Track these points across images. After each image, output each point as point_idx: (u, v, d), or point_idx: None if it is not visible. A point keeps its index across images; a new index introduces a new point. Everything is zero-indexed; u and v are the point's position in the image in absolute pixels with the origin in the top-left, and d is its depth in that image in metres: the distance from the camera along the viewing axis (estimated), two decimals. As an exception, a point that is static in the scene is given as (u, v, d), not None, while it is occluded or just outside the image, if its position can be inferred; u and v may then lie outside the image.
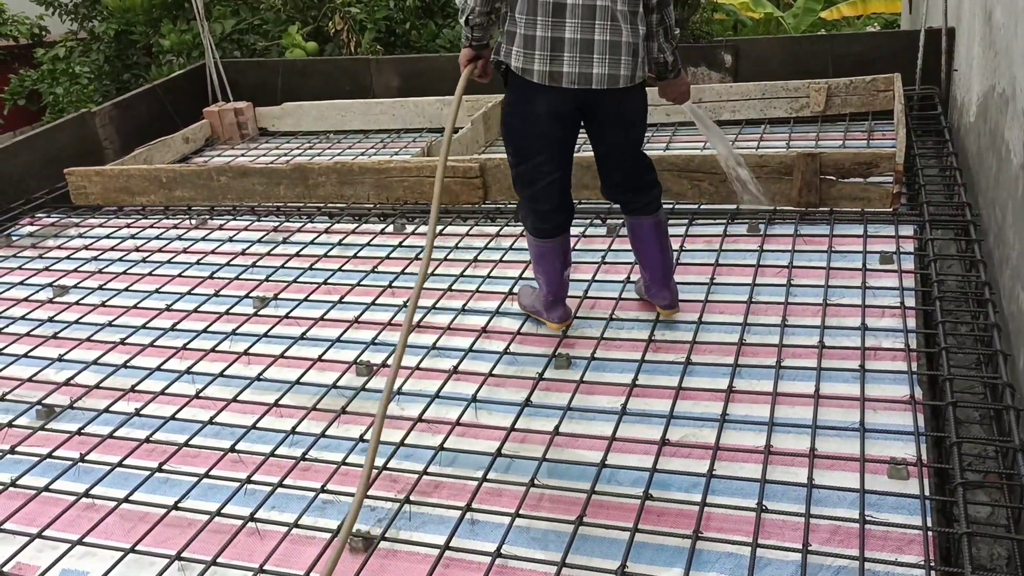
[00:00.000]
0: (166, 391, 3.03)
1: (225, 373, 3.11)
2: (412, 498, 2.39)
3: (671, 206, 4.01)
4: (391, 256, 3.91)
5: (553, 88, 2.72)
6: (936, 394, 2.63)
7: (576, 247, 3.77)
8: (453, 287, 3.56)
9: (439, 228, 4.14)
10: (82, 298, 3.82)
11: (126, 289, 3.86)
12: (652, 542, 2.17)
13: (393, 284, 3.64)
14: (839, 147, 4.67)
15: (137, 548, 2.31)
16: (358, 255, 3.96)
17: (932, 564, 1.99)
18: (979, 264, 3.16)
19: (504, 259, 3.76)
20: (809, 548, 2.06)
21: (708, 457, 2.41)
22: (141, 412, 2.93)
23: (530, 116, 2.80)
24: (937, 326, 2.84)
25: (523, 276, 3.56)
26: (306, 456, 2.61)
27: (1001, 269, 3.10)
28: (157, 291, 3.80)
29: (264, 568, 2.19)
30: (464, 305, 3.40)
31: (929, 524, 2.10)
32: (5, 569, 2.30)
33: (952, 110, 4.89)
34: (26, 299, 3.88)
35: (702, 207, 4.01)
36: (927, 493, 2.20)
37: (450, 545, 2.19)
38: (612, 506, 2.30)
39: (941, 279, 3.16)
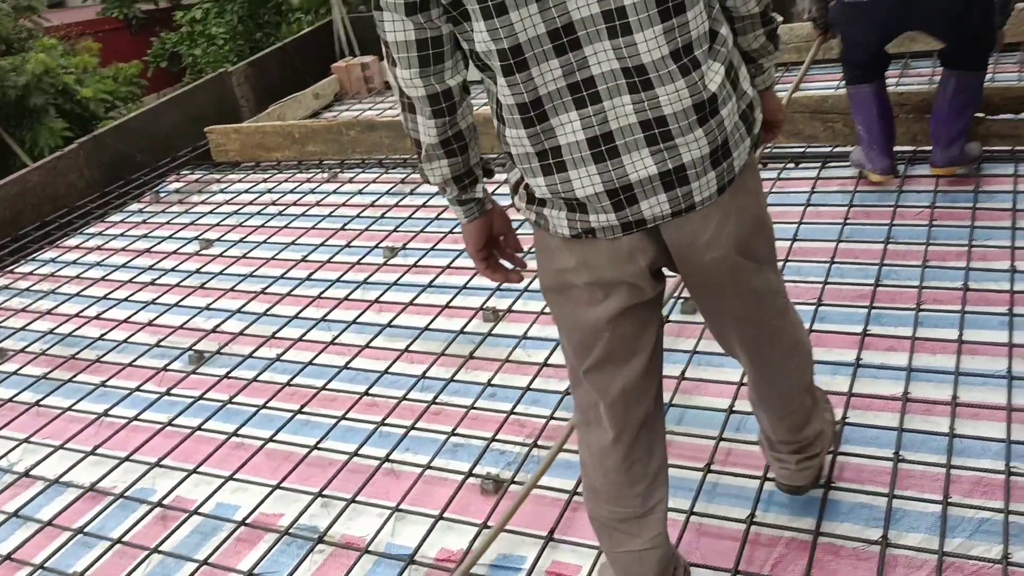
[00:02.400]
0: (304, 338, 3.18)
1: (358, 320, 3.23)
2: (540, 443, 2.44)
3: (803, 149, 3.87)
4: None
5: None
6: (1094, 341, 2.47)
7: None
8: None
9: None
10: (225, 250, 4.03)
11: (265, 241, 4.04)
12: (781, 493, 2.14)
13: (520, 232, 3.66)
14: (988, 81, 4.36)
15: (283, 485, 2.45)
16: (483, 205, 3.99)
17: (1085, 518, 1.89)
18: None
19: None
20: (949, 500, 2.00)
21: (841, 405, 2.34)
22: (282, 358, 3.08)
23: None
24: (1096, 269, 2.66)
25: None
26: (436, 400, 2.70)
27: None
28: (293, 243, 3.97)
29: (400, 507, 2.29)
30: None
31: (1082, 476, 1.99)
32: (165, 501, 2.49)
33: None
34: (175, 252, 4.12)
35: (835, 149, 3.84)
36: (1081, 445, 2.08)
37: (578, 491, 2.23)
38: (741, 454, 2.28)
39: (1103, 218, 2.94)
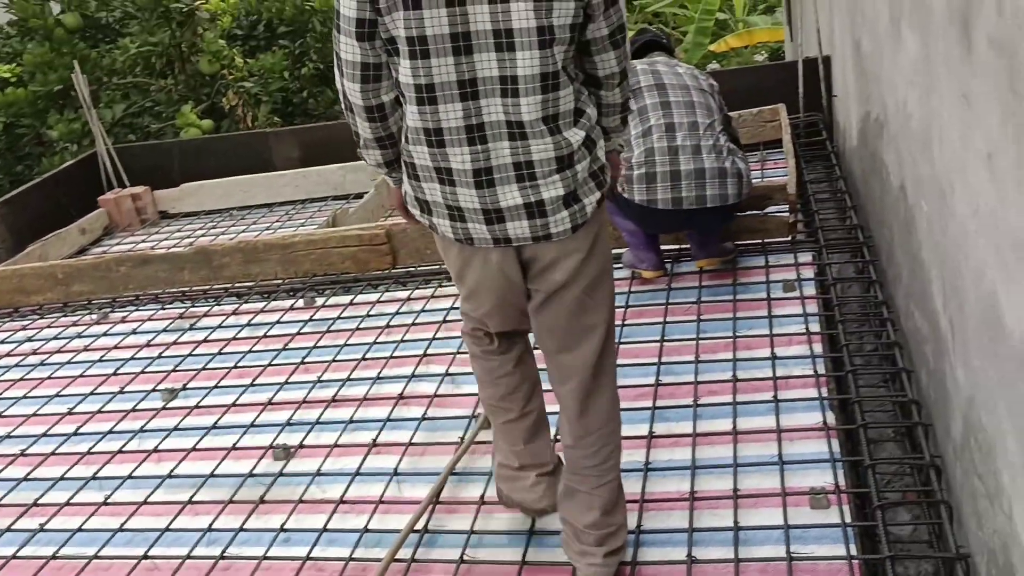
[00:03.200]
0: (71, 501, 2.89)
1: (134, 474, 2.98)
2: (338, 587, 2.31)
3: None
4: (302, 332, 3.83)
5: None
6: (848, 417, 2.68)
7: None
8: (367, 356, 3.50)
9: (350, 298, 4.09)
10: (-23, 410, 3.64)
11: (24, 396, 3.69)
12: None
13: (306, 360, 3.57)
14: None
15: (48, 678, 2.17)
16: (268, 334, 3.87)
17: (860, 592, 2.01)
18: (875, 284, 3.25)
19: (417, 322, 3.72)
20: (740, 591, 2.06)
21: (635, 510, 2.39)
22: (46, 527, 2.78)
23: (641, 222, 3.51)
24: (842, 349, 2.91)
25: (436, 337, 3.53)
26: (225, 554, 2.51)
27: (895, 287, 3.20)
28: (58, 395, 3.64)
29: None
30: (379, 373, 3.35)
31: (853, 551, 2.13)
32: None
33: (836, 135, 5.08)
34: (-83, 417, 3.67)
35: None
36: (848, 519, 2.23)
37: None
38: (545, 571, 2.27)
39: (842, 302, 3.25)
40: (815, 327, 3.11)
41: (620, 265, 3.73)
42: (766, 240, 3.88)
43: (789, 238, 3.84)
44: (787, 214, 3.87)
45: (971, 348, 2.01)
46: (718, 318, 3.30)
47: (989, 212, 1.75)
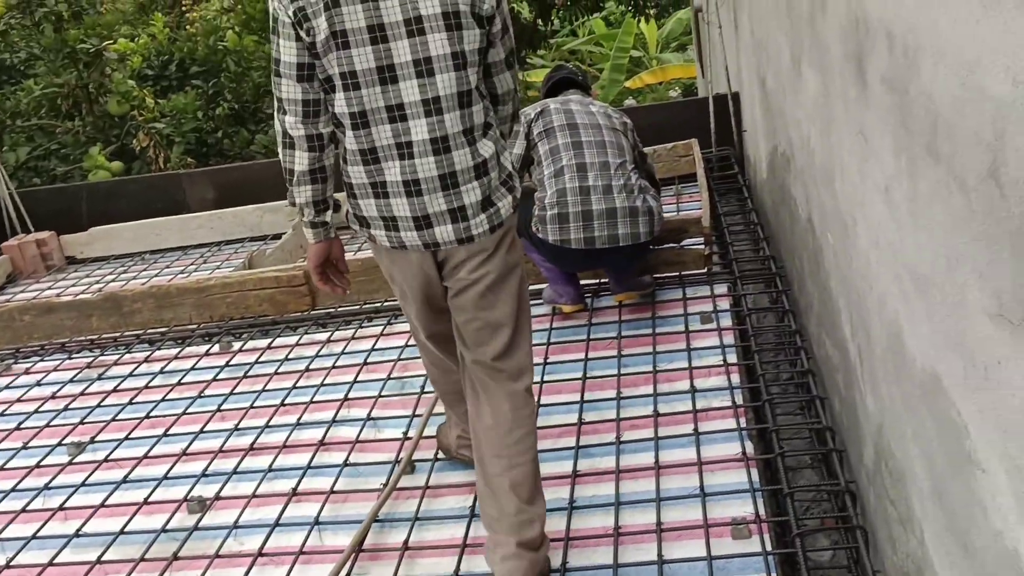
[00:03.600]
0: (-30, 567, 2.73)
1: (39, 535, 2.84)
2: (257, 644, 2.23)
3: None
4: (218, 378, 3.73)
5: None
6: (766, 446, 2.73)
7: (409, 342, 3.73)
8: (286, 401, 3.42)
9: (268, 341, 4.01)
10: None
11: (-81, 456, 3.49)
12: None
13: (222, 407, 3.47)
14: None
15: None
16: (182, 381, 3.75)
17: (782, 622, 2.03)
18: (789, 314, 3.33)
19: (337, 365, 3.66)
20: (666, 627, 2.06)
21: (560, 547, 2.38)
22: (-58, 596, 2.62)
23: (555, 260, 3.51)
24: (759, 379, 2.96)
25: (357, 380, 3.47)
26: (136, 616, 2.40)
27: (807, 316, 3.29)
28: (-44, 453, 3.46)
29: None
30: (299, 419, 3.27)
31: (774, 581, 2.15)
32: None
33: (748, 168, 5.23)
34: None
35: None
36: (769, 548, 2.25)
37: None
38: (469, 615, 2.23)
39: (758, 332, 3.31)
40: (732, 358, 3.16)
41: (540, 301, 3.74)
42: (683, 272, 3.94)
43: (705, 270, 3.91)
44: (703, 246, 3.95)
45: (878, 376, 2.07)
46: (638, 352, 3.33)
47: (888, 244, 1.81)
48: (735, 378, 3.04)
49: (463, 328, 2.30)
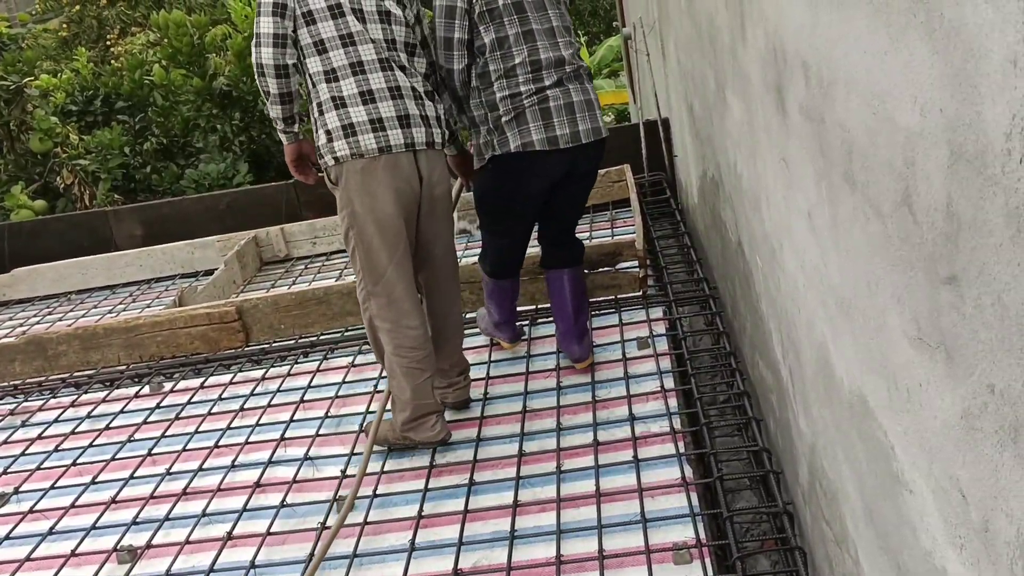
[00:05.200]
0: None
1: (-41, 594, 2.71)
2: None
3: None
4: (148, 420, 3.62)
5: (551, 151, 2.98)
6: (705, 470, 2.75)
7: (346, 378, 3.68)
8: (220, 442, 3.34)
9: (201, 380, 3.91)
10: None
11: None
12: None
13: (153, 451, 3.37)
14: (586, 239, 4.91)
15: None
16: (111, 425, 3.64)
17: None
18: (724, 335, 3.38)
19: (273, 403, 3.59)
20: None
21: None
22: None
23: (518, 188, 3.08)
24: (696, 402, 2.99)
25: (294, 418, 3.41)
26: (63, 676, 2.30)
27: (741, 338, 3.33)
28: None
29: None
30: (234, 461, 3.19)
31: (717, 606, 2.15)
32: None
33: (680, 192, 5.31)
34: None
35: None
36: (710, 572, 2.26)
37: None
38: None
39: (694, 355, 3.35)
40: (670, 382, 3.18)
41: (476, 329, 3.72)
42: (619, 296, 3.97)
43: (641, 293, 3.95)
44: (637, 269, 3.99)
45: (809, 397, 2.10)
46: (577, 382, 3.33)
47: (813, 268, 1.85)
48: (672, 402, 3.06)
49: (435, 239, 3.02)
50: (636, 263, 4.02)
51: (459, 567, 2.45)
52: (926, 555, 1.34)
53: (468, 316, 3.92)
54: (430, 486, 2.86)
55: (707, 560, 2.31)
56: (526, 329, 3.80)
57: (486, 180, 3.15)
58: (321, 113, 2.82)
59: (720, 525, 2.48)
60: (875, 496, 1.58)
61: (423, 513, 2.72)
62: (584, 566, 2.38)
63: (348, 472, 3.00)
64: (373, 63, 2.80)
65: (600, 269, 4.05)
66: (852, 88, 1.40)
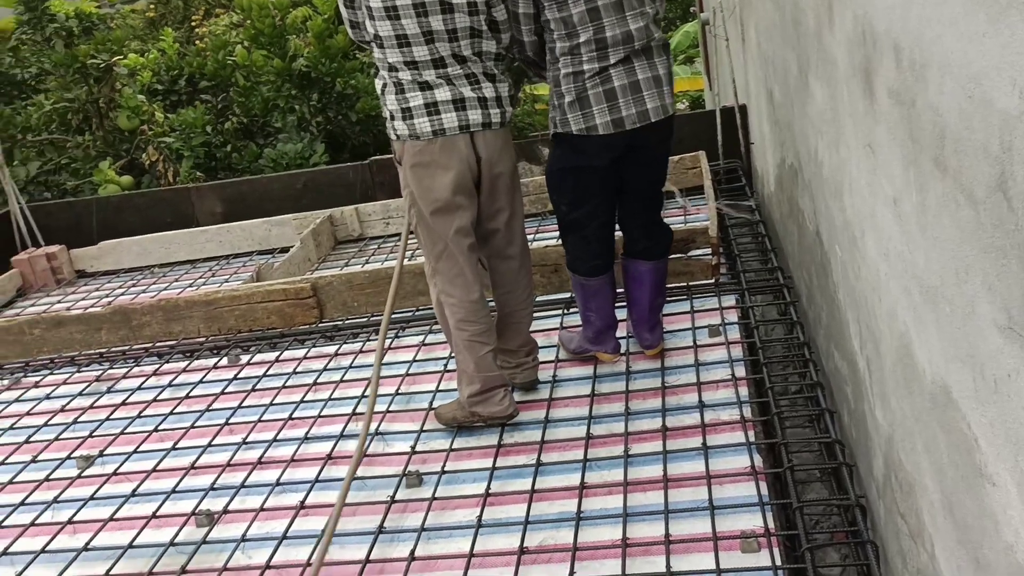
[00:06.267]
0: (-21, 580, 2.74)
1: (48, 548, 2.84)
2: (265, 658, 2.23)
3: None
4: (226, 391, 3.74)
5: (614, 133, 2.92)
6: (775, 460, 2.71)
7: (417, 357, 3.73)
8: (294, 415, 3.42)
9: (276, 354, 4.01)
10: None
11: (-71, 468, 3.50)
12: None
13: (230, 421, 3.47)
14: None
15: None
16: (191, 394, 3.76)
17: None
18: (797, 325, 3.32)
19: (345, 378, 3.66)
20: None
21: (568, 559, 2.37)
22: (-49, 610, 2.63)
23: (585, 168, 3.01)
24: (767, 392, 2.95)
25: (366, 394, 3.47)
26: (144, 630, 2.40)
27: (816, 329, 3.27)
28: (-34, 466, 3.47)
29: None
30: (307, 433, 3.27)
31: (784, 595, 2.13)
32: None
33: (755, 180, 5.23)
34: None
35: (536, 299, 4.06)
36: (778, 563, 2.24)
37: None
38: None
39: (766, 344, 3.30)
40: (740, 371, 3.15)
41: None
42: (691, 283, 3.94)
43: (713, 280, 3.91)
44: (710, 257, 3.95)
45: (888, 388, 2.06)
46: (646, 368, 3.32)
47: (897, 255, 1.81)
48: (743, 391, 3.03)
49: (499, 213, 3.06)
50: (709, 250, 3.97)
51: (525, 545, 2.47)
52: (1007, 549, 1.31)
53: (539, 299, 3.94)
54: (497, 465, 2.89)
55: (775, 550, 2.29)
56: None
57: (552, 159, 3.13)
58: (383, 93, 2.90)
59: (789, 516, 2.45)
60: (955, 489, 1.55)
61: (490, 491, 2.75)
62: (650, 550, 2.38)
63: (417, 448, 3.05)
64: (427, 63, 2.81)
65: (672, 256, 4.01)
66: (946, 70, 1.36)
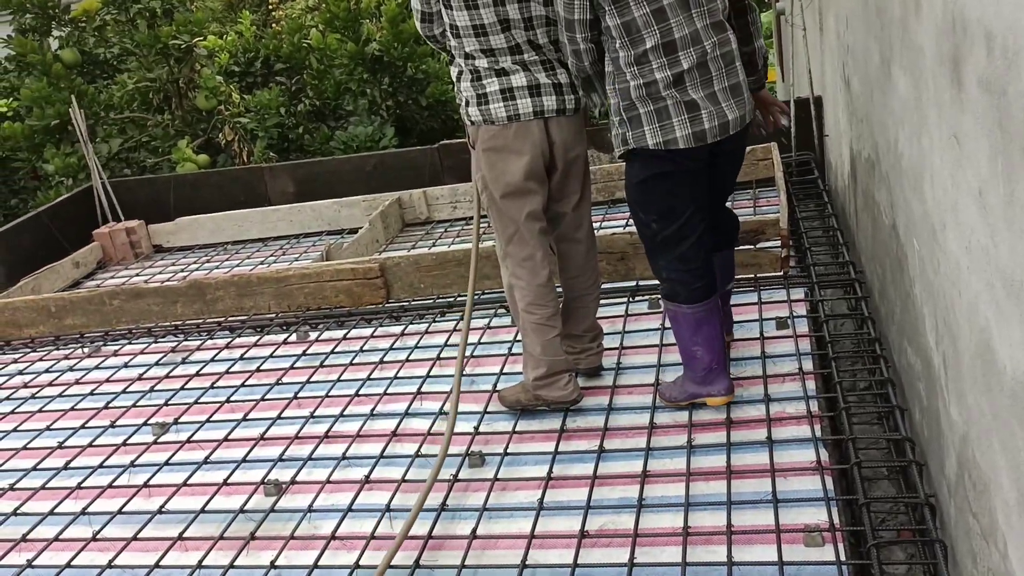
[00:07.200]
0: (60, 536, 2.86)
1: (124, 509, 2.95)
2: (329, 625, 2.29)
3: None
4: (295, 366, 3.82)
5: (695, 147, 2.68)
6: (842, 455, 2.68)
7: (481, 339, 3.76)
8: (360, 392, 3.49)
9: (344, 332, 4.09)
10: (-34, 443, 3.61)
11: (15, 430, 3.66)
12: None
13: (299, 395, 3.55)
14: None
15: None
16: (261, 368, 3.86)
17: (856, 632, 1.99)
18: (868, 321, 3.26)
19: (411, 358, 3.71)
20: (735, 630, 2.04)
21: (628, 544, 2.38)
22: (34, 563, 2.75)
23: (671, 173, 2.73)
24: (835, 387, 2.91)
25: (430, 374, 3.52)
26: (214, 591, 2.48)
27: (888, 324, 3.21)
28: (48, 428, 3.62)
29: None
30: (372, 410, 3.33)
31: (848, 590, 2.11)
32: None
33: (828, 173, 5.13)
34: (-96, 450, 3.64)
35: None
36: (843, 558, 2.21)
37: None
38: (537, 608, 2.25)
39: (835, 339, 3.25)
40: (808, 365, 3.11)
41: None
42: (759, 275, 3.89)
43: (782, 273, 3.86)
44: (779, 249, 3.89)
45: (965, 385, 2.02)
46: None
47: (981, 249, 1.77)
48: (810, 385, 2.99)
49: (572, 195, 3.09)
50: (779, 243, 3.92)
51: (586, 529, 2.48)
52: (1089, 551, 1.28)
53: (604, 287, 3.94)
54: (560, 449, 2.90)
55: (839, 545, 2.26)
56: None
57: (631, 174, 2.83)
58: (458, 80, 2.95)
59: (855, 512, 2.42)
60: (1033, 488, 1.51)
61: (552, 474, 2.77)
62: (711, 539, 2.38)
63: (480, 429, 3.09)
64: (503, 51, 2.85)
65: (741, 247, 3.97)
66: (1042, 58, 1.33)
